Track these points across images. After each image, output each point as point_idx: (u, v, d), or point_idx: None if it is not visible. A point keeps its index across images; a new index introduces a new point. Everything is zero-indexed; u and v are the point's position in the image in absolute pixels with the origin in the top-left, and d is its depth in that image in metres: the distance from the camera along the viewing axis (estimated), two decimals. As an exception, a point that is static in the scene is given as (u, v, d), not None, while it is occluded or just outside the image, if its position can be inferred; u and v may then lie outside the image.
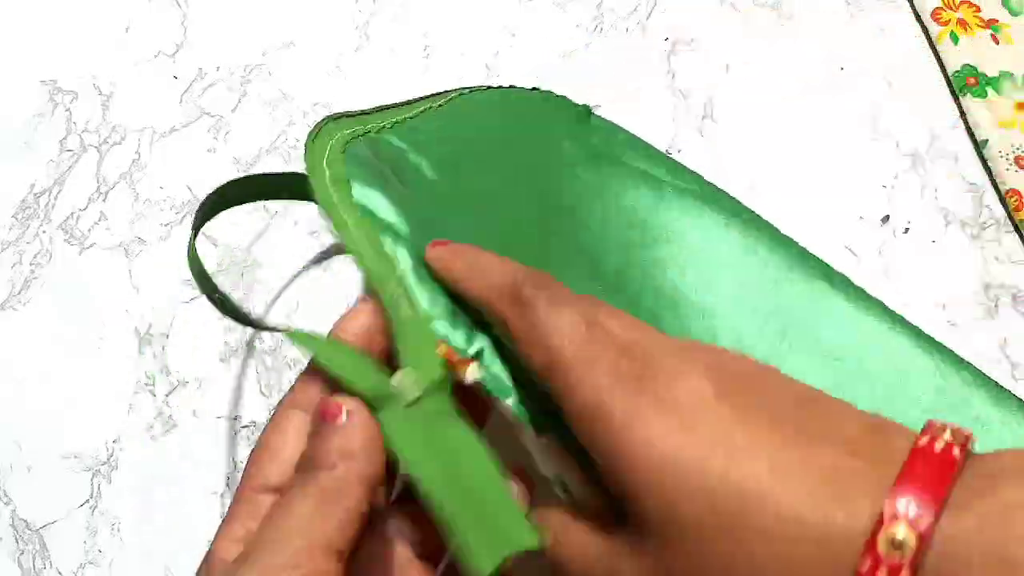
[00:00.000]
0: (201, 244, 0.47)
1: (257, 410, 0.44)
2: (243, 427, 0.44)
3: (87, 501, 0.43)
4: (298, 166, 0.48)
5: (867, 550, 0.18)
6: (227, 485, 0.43)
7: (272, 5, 0.52)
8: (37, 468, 0.44)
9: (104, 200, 0.49)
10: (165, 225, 0.48)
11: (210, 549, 0.24)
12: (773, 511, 0.19)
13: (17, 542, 0.43)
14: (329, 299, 0.46)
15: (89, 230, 0.48)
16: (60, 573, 0.42)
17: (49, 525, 0.43)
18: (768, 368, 0.23)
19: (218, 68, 0.51)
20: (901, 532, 0.18)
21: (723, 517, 0.19)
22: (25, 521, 0.43)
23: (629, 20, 0.50)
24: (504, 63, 0.49)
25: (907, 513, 0.18)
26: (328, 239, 0.47)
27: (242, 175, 0.42)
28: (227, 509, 0.25)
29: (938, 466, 0.19)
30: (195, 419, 0.44)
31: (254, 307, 0.46)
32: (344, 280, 0.46)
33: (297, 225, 0.47)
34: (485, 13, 0.51)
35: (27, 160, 0.50)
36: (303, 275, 0.46)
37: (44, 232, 0.49)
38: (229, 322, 0.46)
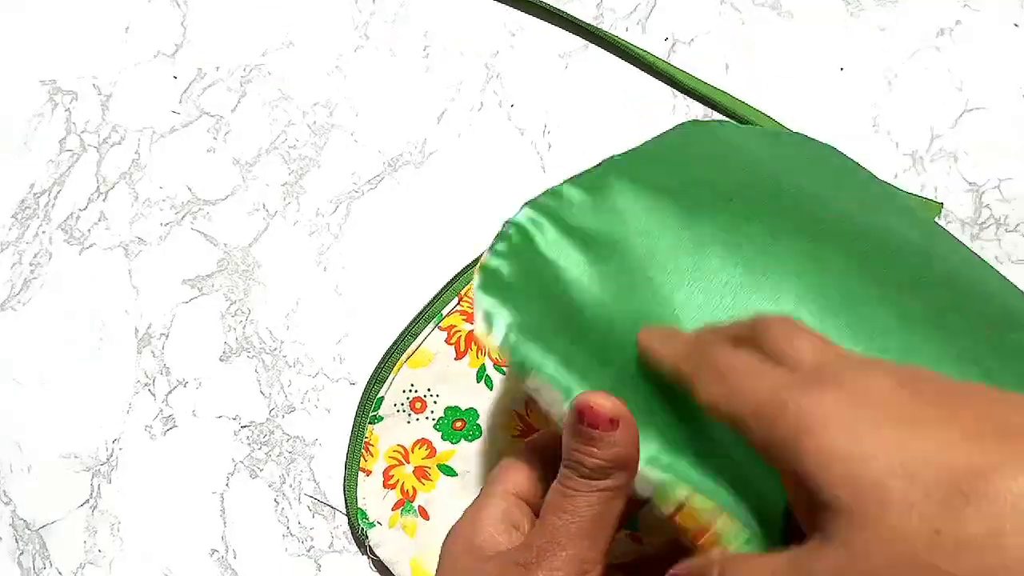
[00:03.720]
0: (201, 244, 0.47)
1: (257, 410, 0.44)
2: (243, 427, 0.44)
3: (87, 501, 0.43)
4: (297, 166, 0.48)
5: None
6: (227, 485, 0.43)
7: (272, 5, 0.52)
8: (37, 468, 0.44)
9: (104, 200, 0.49)
10: (165, 225, 0.48)
11: (468, 533, 0.28)
12: (961, 475, 0.19)
13: (17, 542, 0.43)
14: (329, 299, 0.46)
15: (89, 230, 0.48)
16: (60, 573, 0.42)
17: (49, 525, 0.43)
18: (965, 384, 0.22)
19: (218, 68, 0.51)
20: None
21: (933, 494, 0.19)
22: (25, 521, 0.43)
23: (629, 20, 0.50)
24: (504, 63, 0.49)
25: None
26: (326, 239, 0.47)
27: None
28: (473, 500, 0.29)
29: None
30: (195, 419, 0.44)
31: (254, 307, 0.46)
32: (343, 280, 0.46)
33: (297, 225, 0.47)
34: (485, 13, 0.51)
35: (27, 160, 0.50)
36: (303, 275, 0.46)
37: (44, 232, 0.49)
38: (229, 322, 0.46)
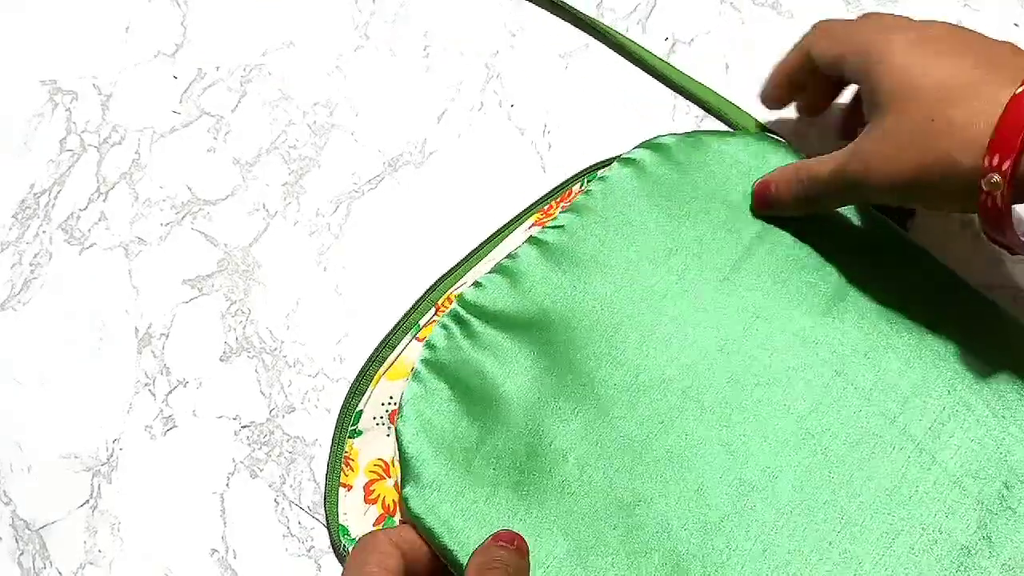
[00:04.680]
0: (201, 244, 0.47)
1: (257, 410, 0.44)
2: (243, 427, 0.44)
3: (87, 501, 0.43)
4: (298, 166, 0.48)
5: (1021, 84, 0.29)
6: (227, 485, 0.43)
7: (272, 5, 0.52)
8: (37, 468, 0.44)
9: (104, 200, 0.49)
10: (165, 225, 0.48)
11: None
12: (971, 74, 0.31)
13: (17, 542, 0.43)
14: (329, 299, 0.46)
15: (89, 230, 0.48)
16: (60, 573, 0.42)
17: (49, 525, 0.43)
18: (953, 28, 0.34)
19: (218, 68, 0.51)
20: None
21: (945, 80, 0.31)
22: (25, 521, 0.43)
23: (629, 20, 0.50)
24: (504, 63, 0.49)
25: None
26: (326, 239, 0.47)
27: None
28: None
29: None
30: (195, 419, 0.44)
31: (254, 307, 0.46)
32: (343, 280, 0.46)
33: (297, 225, 0.47)
34: (485, 13, 0.51)
35: (27, 160, 0.50)
36: (303, 275, 0.46)
37: (44, 232, 0.49)
38: (229, 322, 0.46)
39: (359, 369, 0.40)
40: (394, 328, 0.41)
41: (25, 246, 0.49)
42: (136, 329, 0.46)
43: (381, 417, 0.40)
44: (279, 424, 0.44)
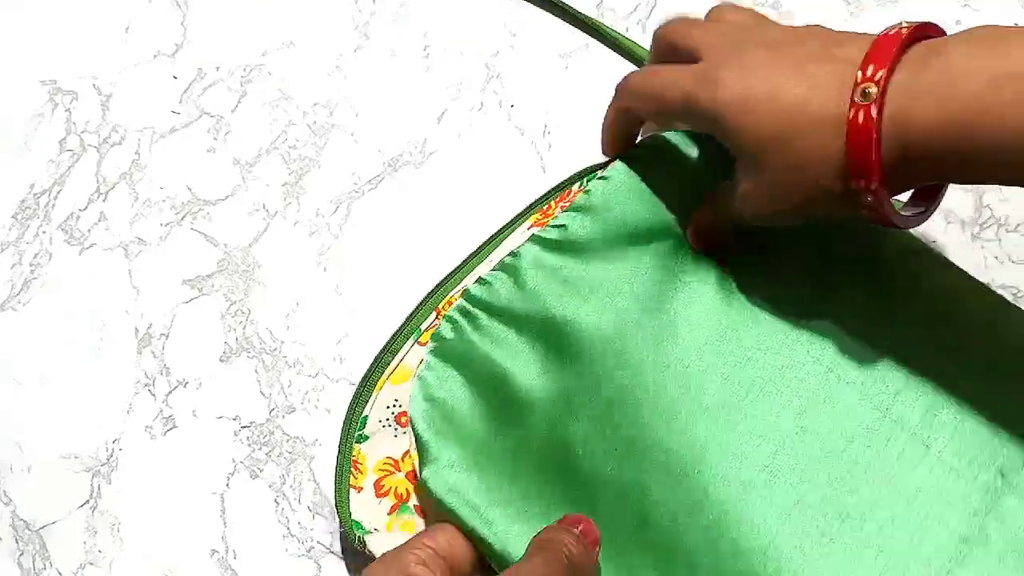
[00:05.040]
0: (201, 244, 0.47)
1: (257, 410, 0.44)
2: (243, 427, 0.44)
3: (87, 501, 0.43)
4: (297, 166, 0.48)
5: (850, 105, 0.29)
6: (227, 485, 0.43)
7: (272, 5, 0.52)
8: (37, 468, 0.44)
9: (104, 200, 0.49)
10: (165, 225, 0.48)
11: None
12: (803, 107, 0.30)
13: (17, 542, 0.43)
14: (329, 299, 0.46)
15: (89, 230, 0.48)
16: (60, 573, 0.42)
17: (49, 525, 0.43)
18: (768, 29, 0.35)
19: (218, 68, 0.51)
20: (868, 87, 0.28)
21: (783, 125, 0.30)
22: (25, 521, 0.43)
23: (629, 20, 0.50)
24: (504, 63, 0.49)
25: (871, 75, 0.29)
26: (326, 239, 0.47)
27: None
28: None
29: (893, 41, 0.29)
30: (195, 419, 0.44)
31: (254, 307, 0.46)
32: (343, 280, 0.46)
33: (297, 225, 0.47)
34: (485, 13, 0.51)
35: (27, 160, 0.50)
36: (303, 275, 0.46)
37: (44, 232, 0.49)
38: (229, 322, 0.46)
39: (362, 376, 0.40)
40: (396, 333, 0.41)
41: (25, 246, 0.49)
42: (136, 329, 0.46)
43: (387, 420, 0.40)
44: (279, 424, 0.44)
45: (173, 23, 0.53)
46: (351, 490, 0.39)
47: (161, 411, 0.44)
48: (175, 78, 0.52)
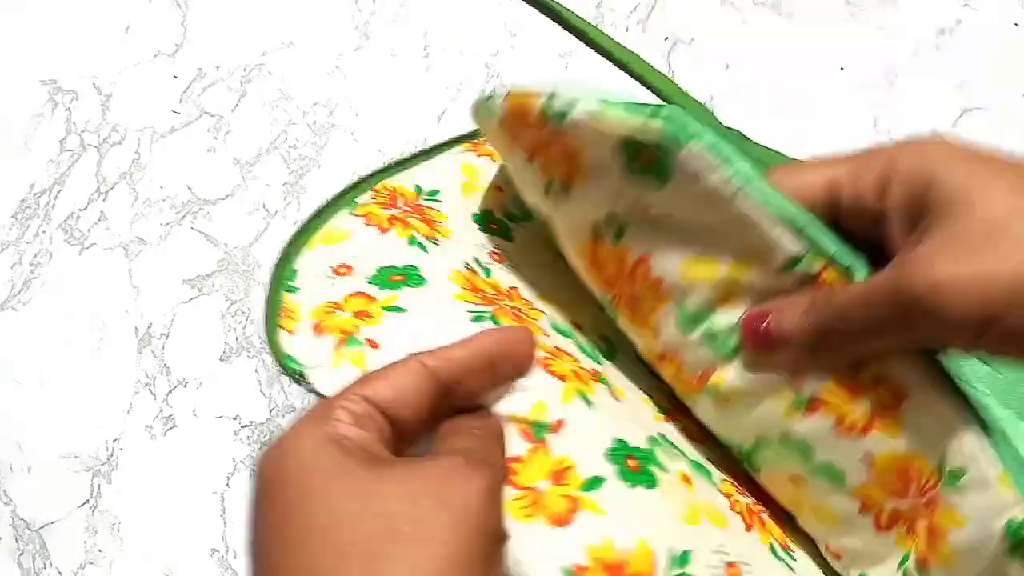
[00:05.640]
0: (201, 244, 0.47)
1: (257, 410, 0.44)
2: (243, 426, 0.44)
3: (87, 501, 0.43)
4: (298, 166, 0.48)
5: None
6: (227, 485, 0.43)
7: (272, 5, 0.52)
8: (37, 468, 0.44)
9: (104, 200, 0.49)
10: (165, 225, 0.48)
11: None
12: None
13: (17, 542, 0.43)
14: (329, 299, 0.46)
15: (89, 230, 0.48)
16: (60, 573, 0.42)
17: (49, 525, 0.43)
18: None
19: (218, 68, 0.51)
20: None
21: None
22: (25, 521, 0.43)
23: (629, 20, 0.50)
24: (504, 63, 0.50)
25: None
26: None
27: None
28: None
29: None
30: (195, 418, 0.44)
31: (254, 307, 0.46)
32: (344, 280, 0.46)
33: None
34: (485, 13, 0.51)
35: (27, 160, 0.50)
36: (303, 275, 0.46)
37: (44, 232, 0.49)
38: (229, 322, 0.46)
39: (290, 236, 0.36)
40: (325, 204, 0.36)
41: (25, 246, 0.49)
42: (136, 329, 0.46)
43: (324, 272, 0.34)
44: (279, 424, 0.44)
45: (173, 23, 0.53)
46: (283, 332, 0.32)
47: (161, 411, 0.44)
48: (175, 78, 0.52)
